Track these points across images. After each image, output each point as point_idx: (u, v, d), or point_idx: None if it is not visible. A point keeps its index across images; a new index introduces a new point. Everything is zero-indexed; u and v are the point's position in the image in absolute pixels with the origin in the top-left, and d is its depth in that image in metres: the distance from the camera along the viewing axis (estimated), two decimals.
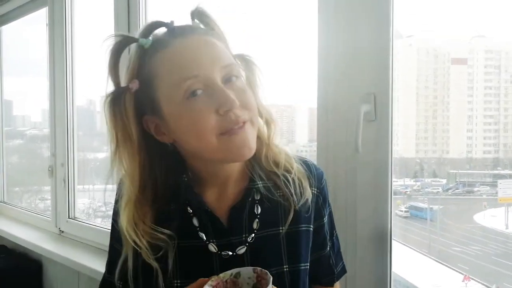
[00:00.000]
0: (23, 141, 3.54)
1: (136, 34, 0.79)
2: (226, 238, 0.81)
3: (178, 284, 0.79)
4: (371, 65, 1.17)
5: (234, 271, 0.70)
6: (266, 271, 0.68)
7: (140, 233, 0.77)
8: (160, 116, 0.78)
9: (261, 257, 0.81)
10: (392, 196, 1.17)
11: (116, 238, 0.88)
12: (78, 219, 2.34)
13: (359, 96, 1.18)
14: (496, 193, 1.79)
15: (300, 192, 0.84)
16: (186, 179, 0.82)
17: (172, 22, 0.78)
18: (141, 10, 1.87)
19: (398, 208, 1.96)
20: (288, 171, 0.84)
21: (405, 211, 1.99)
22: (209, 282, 0.69)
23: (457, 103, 1.89)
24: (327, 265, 0.93)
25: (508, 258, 1.74)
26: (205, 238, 0.81)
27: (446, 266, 1.85)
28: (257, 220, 0.83)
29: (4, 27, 2.99)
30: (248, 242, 0.81)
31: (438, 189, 2.00)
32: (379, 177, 1.17)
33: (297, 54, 1.57)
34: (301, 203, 0.84)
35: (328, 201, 0.93)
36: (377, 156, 1.17)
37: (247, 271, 0.70)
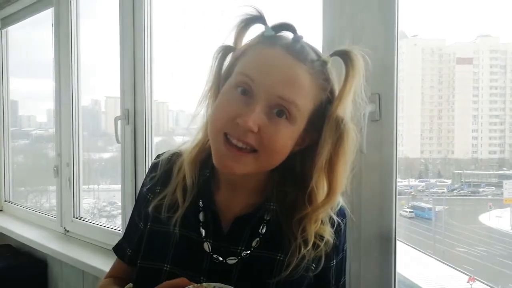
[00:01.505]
0: (29, 141, 3.55)
1: (268, 21, 0.81)
2: (222, 244, 0.81)
3: (168, 269, 0.81)
4: (375, 65, 1.16)
5: (217, 285, 0.71)
6: None
7: (192, 172, 0.83)
8: None
9: (250, 275, 0.80)
10: (397, 196, 1.17)
11: (138, 209, 0.93)
12: (83, 219, 2.35)
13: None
14: (502, 193, 1.78)
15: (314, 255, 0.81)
16: (208, 174, 0.84)
17: (301, 36, 0.77)
18: (146, 10, 1.87)
19: (402, 209, 1.95)
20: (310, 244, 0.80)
21: (410, 212, 1.99)
22: (190, 287, 0.70)
23: (462, 103, 1.88)
24: None
25: None
26: (204, 235, 0.81)
27: (451, 267, 1.84)
28: (258, 239, 0.81)
29: (11, 28, 3.01)
30: (241, 256, 0.80)
31: (443, 189, 1.99)
32: (384, 177, 1.16)
33: None
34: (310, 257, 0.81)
35: (343, 247, 0.89)
36: (381, 156, 1.16)
37: None
